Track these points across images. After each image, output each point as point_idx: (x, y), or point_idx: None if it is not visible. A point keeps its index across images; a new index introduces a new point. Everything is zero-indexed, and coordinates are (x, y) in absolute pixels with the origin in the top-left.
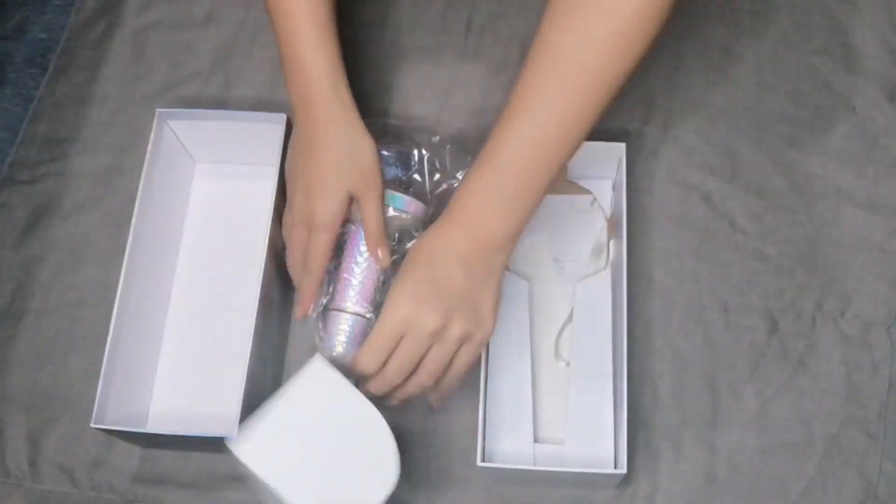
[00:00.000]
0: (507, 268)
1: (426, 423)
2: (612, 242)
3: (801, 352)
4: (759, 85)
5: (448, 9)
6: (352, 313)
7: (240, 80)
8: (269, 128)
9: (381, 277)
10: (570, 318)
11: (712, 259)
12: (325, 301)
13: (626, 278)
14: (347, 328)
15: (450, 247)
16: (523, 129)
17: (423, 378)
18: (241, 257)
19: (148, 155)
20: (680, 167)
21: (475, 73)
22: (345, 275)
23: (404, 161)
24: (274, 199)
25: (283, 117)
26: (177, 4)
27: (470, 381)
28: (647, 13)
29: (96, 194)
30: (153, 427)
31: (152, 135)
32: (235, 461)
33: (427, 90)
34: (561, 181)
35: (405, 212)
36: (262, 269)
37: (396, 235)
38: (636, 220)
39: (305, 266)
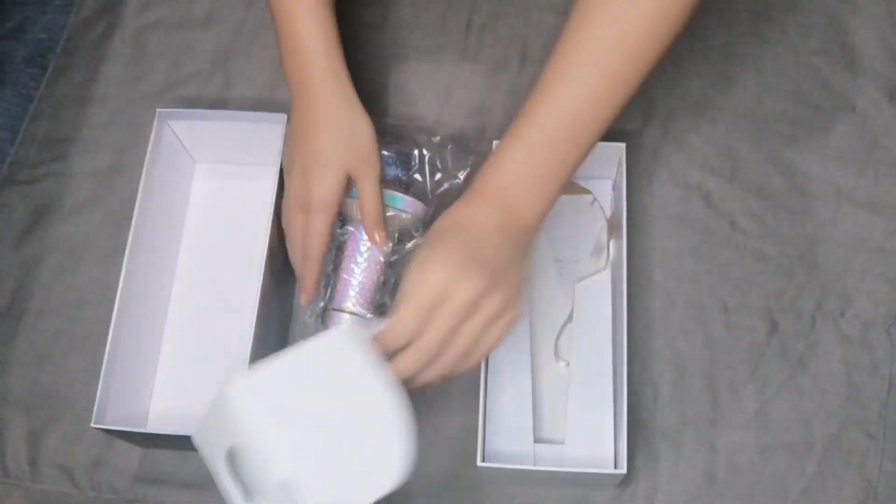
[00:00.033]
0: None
1: (426, 423)
2: (612, 242)
3: (801, 352)
4: (759, 85)
5: (448, 9)
6: (352, 313)
7: (240, 80)
8: (269, 128)
9: (381, 278)
10: (570, 318)
11: (712, 259)
12: (322, 303)
13: (626, 278)
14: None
15: (482, 220)
16: (556, 103)
17: (454, 353)
18: (241, 257)
19: (148, 155)
20: (680, 167)
21: (475, 73)
22: (344, 275)
23: (404, 161)
24: (274, 199)
25: (283, 117)
26: (177, 4)
27: (471, 376)
28: None
29: (96, 194)
30: (153, 427)
31: (152, 135)
32: (220, 409)
33: (427, 90)
34: None
35: (405, 212)
36: (262, 269)
37: (396, 235)
38: (636, 220)
39: (304, 250)
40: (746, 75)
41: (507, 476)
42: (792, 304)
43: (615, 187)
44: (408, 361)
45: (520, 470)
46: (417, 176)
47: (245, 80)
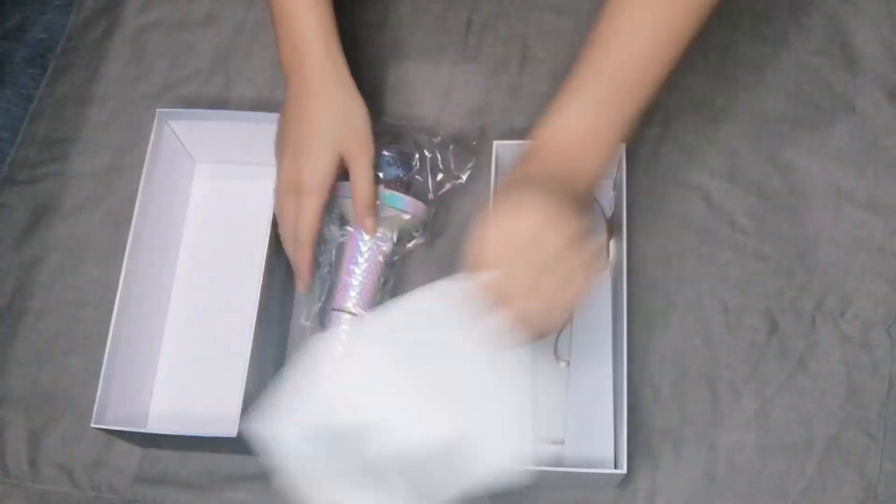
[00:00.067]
0: None
1: None
2: (612, 242)
3: (801, 352)
4: (759, 85)
5: (448, 9)
6: (352, 314)
7: (240, 80)
8: (269, 128)
9: (381, 279)
10: (570, 319)
11: (712, 259)
12: (319, 304)
13: (626, 278)
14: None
15: (548, 174)
16: (610, 57)
17: (561, 303)
18: (241, 257)
19: (148, 155)
20: (680, 167)
21: (475, 73)
22: (345, 276)
23: (405, 161)
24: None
25: None
26: (177, 4)
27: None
28: None
29: (96, 194)
30: (153, 427)
31: (152, 135)
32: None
33: (427, 90)
34: None
35: (406, 212)
36: (262, 269)
37: (396, 235)
38: (636, 220)
39: (295, 234)
40: (746, 75)
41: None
42: (792, 304)
43: (615, 187)
44: (516, 311)
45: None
46: (418, 176)
47: (245, 80)
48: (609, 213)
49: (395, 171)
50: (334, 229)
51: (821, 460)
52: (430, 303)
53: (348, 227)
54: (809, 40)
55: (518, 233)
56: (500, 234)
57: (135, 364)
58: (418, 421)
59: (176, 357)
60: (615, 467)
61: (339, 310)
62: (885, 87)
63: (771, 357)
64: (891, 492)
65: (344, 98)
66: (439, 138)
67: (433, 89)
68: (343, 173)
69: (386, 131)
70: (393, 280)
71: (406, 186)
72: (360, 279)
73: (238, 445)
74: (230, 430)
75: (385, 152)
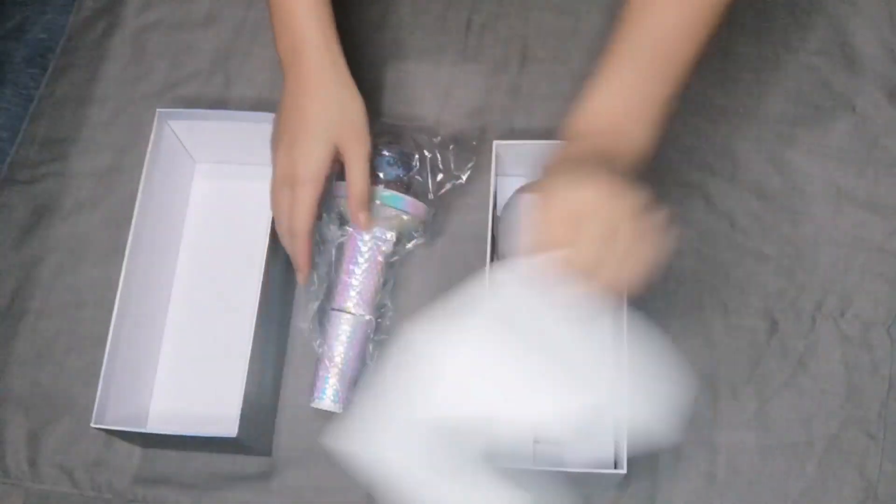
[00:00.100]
0: None
1: None
2: None
3: (801, 352)
4: (759, 85)
5: (448, 9)
6: (352, 314)
7: (240, 80)
8: (269, 128)
9: (381, 279)
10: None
11: (712, 259)
12: (317, 303)
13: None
14: (349, 328)
15: (597, 154)
16: (643, 33)
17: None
18: (241, 257)
19: (148, 155)
20: (680, 167)
21: (475, 73)
22: (345, 276)
23: (405, 161)
24: None
25: None
26: (177, 4)
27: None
28: None
29: (96, 194)
30: (153, 427)
31: (152, 135)
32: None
33: (427, 90)
34: None
35: (406, 212)
36: (262, 269)
37: (396, 235)
38: None
39: (290, 226)
40: (746, 75)
41: (506, 476)
42: (792, 304)
43: None
44: (590, 283)
45: (520, 470)
46: (418, 176)
47: (245, 80)
48: None
49: (395, 171)
50: (334, 229)
51: (821, 460)
52: (512, 288)
53: (348, 228)
54: (809, 40)
55: (579, 207)
56: (561, 210)
57: (135, 364)
58: (535, 406)
59: (176, 357)
60: (615, 467)
61: (339, 310)
62: (885, 87)
63: (771, 357)
64: (891, 492)
65: (341, 92)
66: (439, 138)
67: (433, 89)
68: (340, 168)
69: (386, 131)
70: (393, 280)
71: (406, 186)
72: (360, 279)
73: (238, 445)
74: (230, 430)
75: (385, 152)
